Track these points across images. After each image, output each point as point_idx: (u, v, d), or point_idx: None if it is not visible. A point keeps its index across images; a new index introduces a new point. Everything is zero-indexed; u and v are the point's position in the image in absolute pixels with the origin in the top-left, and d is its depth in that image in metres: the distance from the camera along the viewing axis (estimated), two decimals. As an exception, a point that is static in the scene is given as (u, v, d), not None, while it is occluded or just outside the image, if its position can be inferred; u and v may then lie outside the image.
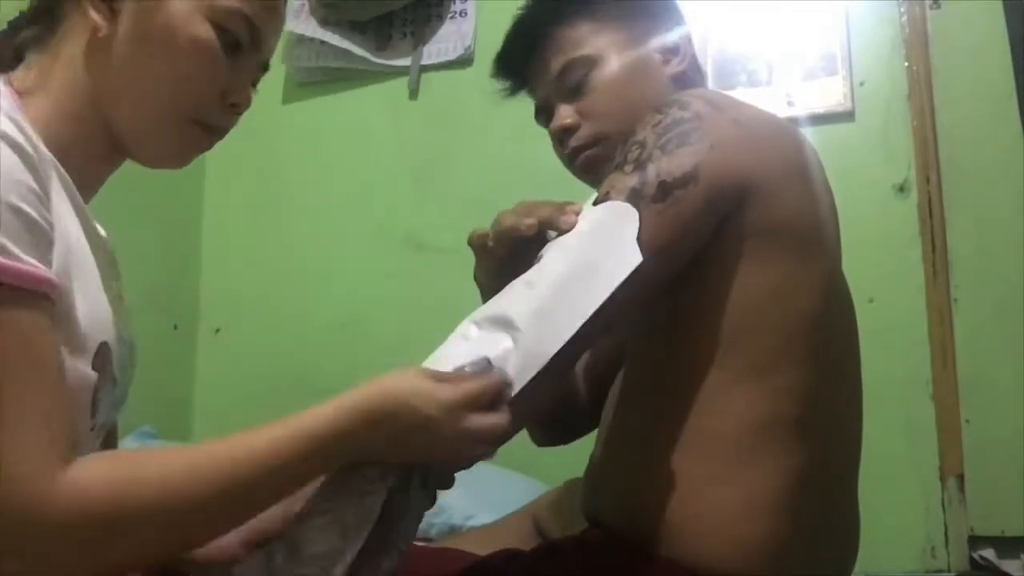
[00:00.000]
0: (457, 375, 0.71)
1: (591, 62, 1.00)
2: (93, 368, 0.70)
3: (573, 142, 1.01)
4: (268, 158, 2.31)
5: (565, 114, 1.01)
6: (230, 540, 0.81)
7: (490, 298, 0.82)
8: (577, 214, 0.83)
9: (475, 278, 0.93)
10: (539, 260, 0.81)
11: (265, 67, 0.85)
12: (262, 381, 2.17)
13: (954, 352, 1.74)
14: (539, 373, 0.71)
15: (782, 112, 1.83)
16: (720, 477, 0.83)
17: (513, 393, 0.71)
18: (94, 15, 0.75)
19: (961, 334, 1.75)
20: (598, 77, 1.00)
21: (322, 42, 2.26)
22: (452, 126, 2.20)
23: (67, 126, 0.76)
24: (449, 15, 2.24)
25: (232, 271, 2.32)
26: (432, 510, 1.57)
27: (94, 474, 0.60)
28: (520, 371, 0.72)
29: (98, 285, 0.74)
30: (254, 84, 0.84)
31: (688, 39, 1.06)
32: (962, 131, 1.82)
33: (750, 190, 0.84)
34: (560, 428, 1.17)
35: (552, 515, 1.12)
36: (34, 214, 0.63)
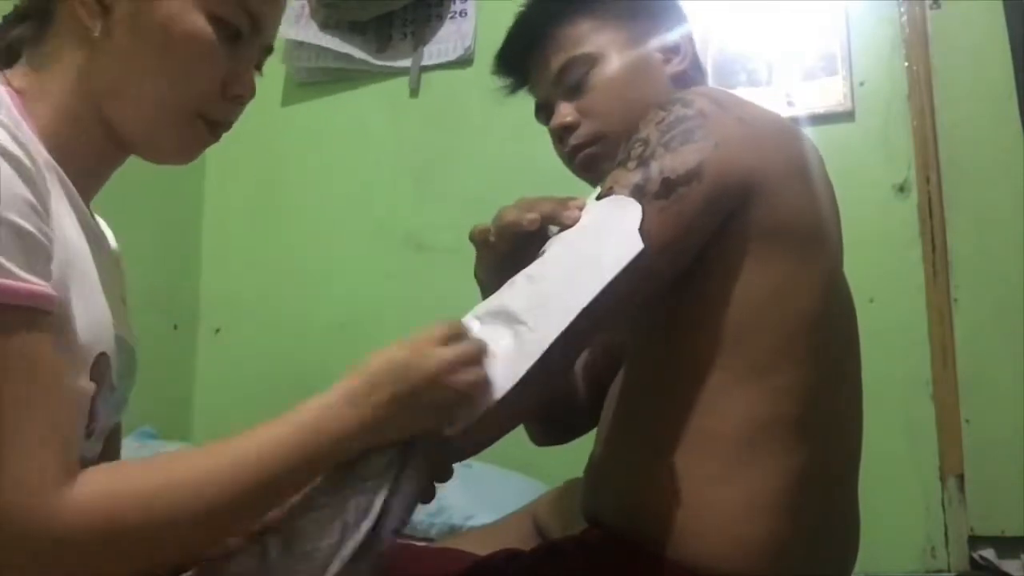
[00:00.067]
0: (436, 341, 0.72)
1: (591, 60, 1.00)
2: (91, 378, 0.70)
3: (573, 140, 1.01)
4: (268, 158, 2.31)
5: (565, 112, 1.01)
6: None
7: (490, 295, 0.82)
8: (580, 209, 0.83)
9: (475, 274, 0.93)
10: (542, 255, 0.81)
11: (269, 49, 0.83)
12: (262, 381, 2.17)
13: (954, 352, 1.74)
14: (540, 360, 0.71)
15: (782, 112, 1.83)
16: (720, 477, 0.83)
17: (515, 382, 0.71)
18: (83, 14, 0.73)
19: (961, 334, 1.75)
20: (598, 75, 1.00)
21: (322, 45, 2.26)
22: (452, 126, 2.20)
23: (66, 125, 0.74)
24: (449, 15, 2.24)
25: (232, 271, 2.32)
26: (432, 510, 1.57)
27: (95, 489, 0.60)
28: (521, 359, 0.72)
29: (98, 293, 0.73)
30: (258, 67, 0.83)
31: (689, 38, 1.06)
32: (962, 131, 1.82)
33: (754, 189, 0.84)
34: (559, 427, 1.17)
35: (552, 515, 1.12)
36: (31, 228, 0.62)
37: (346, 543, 0.67)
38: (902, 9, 1.90)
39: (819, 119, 1.88)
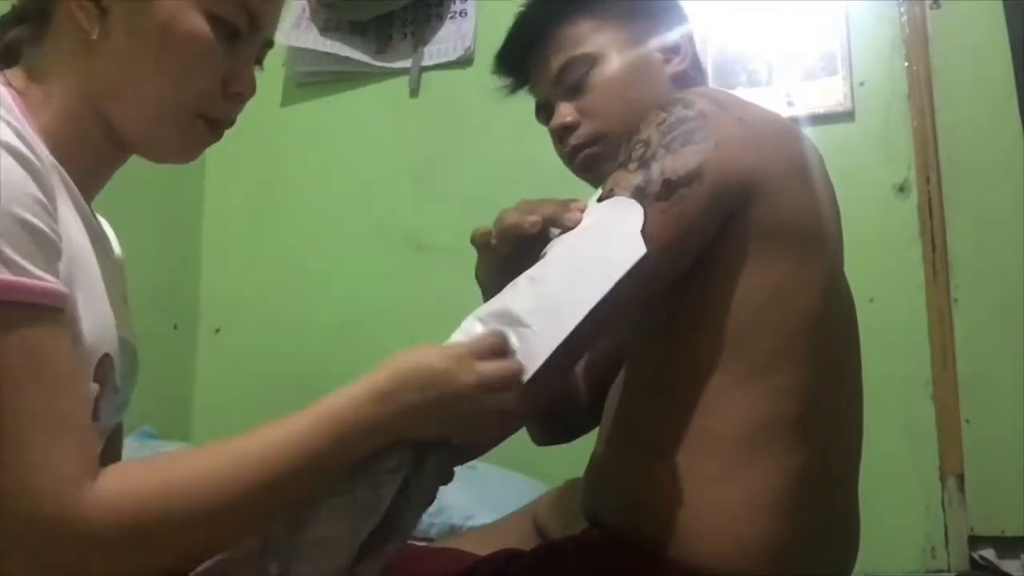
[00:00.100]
0: (471, 354, 0.71)
1: (592, 60, 1.00)
2: (95, 379, 0.70)
3: (573, 140, 1.01)
4: (268, 158, 2.31)
5: (565, 112, 1.01)
6: None
7: (492, 297, 0.82)
8: (581, 211, 0.83)
9: (477, 277, 0.93)
10: (543, 257, 0.81)
11: (269, 44, 0.83)
12: (262, 381, 2.17)
13: (954, 352, 1.74)
14: (543, 365, 0.71)
15: (782, 112, 1.83)
16: (720, 477, 0.83)
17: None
18: (81, 16, 0.73)
19: (961, 334, 1.75)
20: (598, 75, 1.00)
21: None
22: (452, 126, 2.20)
23: (66, 126, 0.74)
24: (449, 15, 2.24)
25: (232, 271, 2.32)
26: (432, 510, 1.57)
27: (122, 484, 0.60)
28: (525, 362, 0.72)
29: (102, 294, 0.73)
30: (259, 62, 0.82)
31: (689, 38, 1.06)
32: (962, 131, 1.82)
33: (754, 189, 0.84)
34: (560, 427, 1.17)
35: (552, 515, 1.12)
36: (42, 226, 0.62)
37: (353, 537, 0.67)
38: (902, 9, 1.90)
39: (819, 119, 1.88)
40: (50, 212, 0.64)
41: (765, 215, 0.85)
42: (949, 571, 1.68)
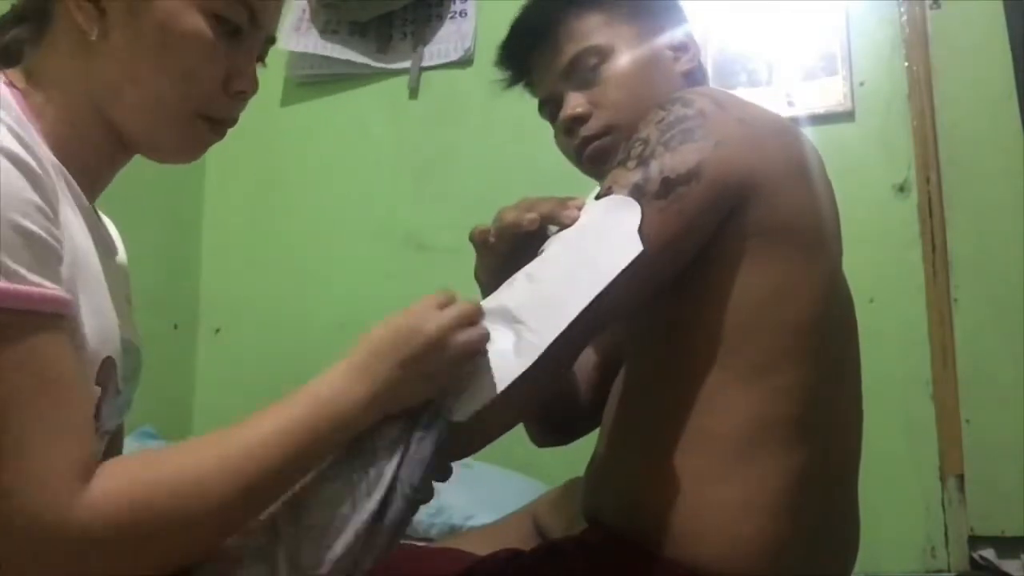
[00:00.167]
0: (434, 307, 0.74)
1: (603, 53, 0.99)
2: (97, 383, 0.70)
3: (584, 132, 0.99)
4: (268, 158, 2.31)
5: (576, 103, 0.99)
6: None
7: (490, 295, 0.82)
8: (579, 209, 0.83)
9: (476, 275, 0.93)
10: (541, 254, 0.81)
11: (271, 40, 0.82)
12: (262, 381, 2.16)
13: (954, 352, 1.74)
14: (539, 360, 0.71)
15: (782, 112, 1.83)
16: (720, 477, 0.83)
17: (514, 379, 0.72)
18: (80, 17, 0.72)
19: (961, 334, 1.75)
20: (610, 68, 0.99)
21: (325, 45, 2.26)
22: (452, 126, 2.20)
23: (68, 127, 0.74)
24: (449, 15, 2.24)
25: (232, 271, 2.32)
26: (432, 510, 1.57)
27: (115, 483, 0.60)
28: (520, 357, 0.72)
29: (105, 296, 0.73)
30: (261, 58, 0.82)
31: (694, 39, 1.06)
32: (962, 131, 1.82)
33: (753, 188, 0.84)
34: (560, 428, 1.17)
35: (552, 515, 1.12)
36: (42, 233, 0.62)
37: (358, 514, 0.67)
38: (902, 9, 1.90)
39: (819, 119, 1.88)
40: (50, 217, 0.64)
41: (764, 215, 0.85)
42: (949, 571, 1.68)
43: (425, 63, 2.23)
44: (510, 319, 0.74)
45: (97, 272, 0.73)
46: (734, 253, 0.85)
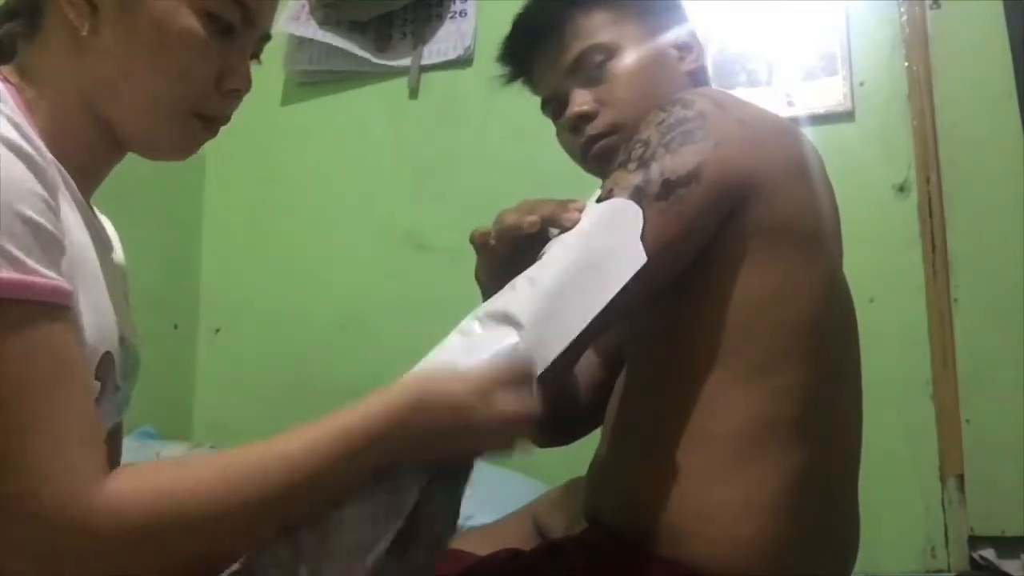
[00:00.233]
0: (483, 362, 0.70)
1: (609, 50, 0.99)
2: (96, 378, 0.70)
3: (590, 130, 0.99)
4: (268, 158, 2.31)
5: (583, 100, 0.99)
6: None
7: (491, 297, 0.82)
8: (580, 211, 0.83)
9: (476, 277, 0.92)
10: (541, 257, 0.81)
11: (266, 37, 0.81)
12: (262, 381, 2.17)
13: (954, 352, 1.74)
14: (543, 373, 0.71)
15: (782, 112, 1.83)
16: (720, 477, 0.83)
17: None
18: (71, 13, 0.72)
19: (961, 334, 1.75)
20: (617, 66, 0.99)
21: (325, 44, 2.26)
22: (452, 126, 2.20)
23: (60, 123, 0.73)
24: (449, 15, 2.24)
25: (232, 271, 2.32)
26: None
27: (131, 485, 0.60)
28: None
29: (103, 291, 0.73)
30: (256, 56, 0.81)
31: (699, 39, 1.06)
32: (962, 131, 1.82)
33: (754, 189, 0.84)
34: (560, 429, 1.17)
35: (552, 515, 1.12)
36: (46, 224, 0.62)
37: (380, 540, 0.67)
38: (902, 9, 1.89)
39: (819, 119, 1.88)
40: (53, 209, 0.64)
41: (764, 215, 0.85)
42: (949, 571, 1.68)
43: (425, 62, 2.23)
44: (511, 323, 0.74)
45: (95, 268, 0.73)
46: (734, 253, 0.85)
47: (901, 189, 1.83)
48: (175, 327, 2.24)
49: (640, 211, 0.79)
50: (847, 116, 1.89)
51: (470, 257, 0.92)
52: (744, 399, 0.84)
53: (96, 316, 0.70)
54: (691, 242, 0.84)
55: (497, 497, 1.55)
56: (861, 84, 1.89)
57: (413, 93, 2.24)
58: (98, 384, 0.70)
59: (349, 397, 0.77)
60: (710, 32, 1.97)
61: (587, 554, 0.87)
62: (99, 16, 0.72)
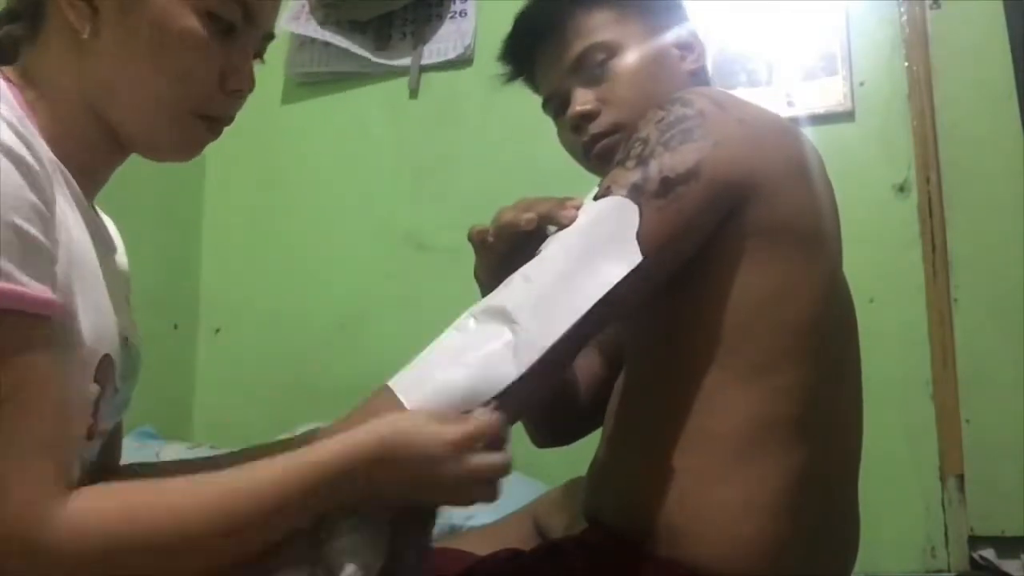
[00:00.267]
0: (460, 416, 0.70)
1: (611, 49, 0.99)
2: (95, 380, 0.69)
3: (592, 129, 0.99)
4: (268, 158, 2.31)
5: (585, 99, 0.99)
6: None
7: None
8: (577, 209, 0.83)
9: (475, 275, 0.93)
10: (538, 255, 0.81)
11: (270, 36, 0.81)
12: (262, 381, 2.17)
13: (954, 352, 1.74)
14: (535, 365, 0.71)
15: (782, 112, 1.83)
16: (720, 477, 0.83)
17: (509, 384, 0.71)
18: (71, 15, 0.71)
19: (961, 334, 1.75)
20: (620, 65, 0.99)
21: (325, 44, 2.26)
22: (452, 126, 2.20)
23: (63, 124, 0.73)
24: (449, 15, 2.24)
25: (232, 271, 2.32)
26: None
27: (92, 505, 0.60)
28: (517, 360, 0.72)
29: (103, 295, 0.72)
30: (259, 55, 0.81)
31: (700, 39, 1.06)
32: (962, 131, 1.82)
33: (753, 188, 0.84)
34: (560, 429, 1.17)
35: (552, 515, 1.12)
36: (35, 232, 0.61)
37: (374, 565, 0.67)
38: (902, 9, 1.89)
39: (819, 119, 1.88)
40: (46, 218, 0.63)
41: (764, 215, 0.85)
42: (949, 571, 1.68)
43: (424, 62, 2.22)
44: (506, 319, 0.74)
45: (95, 269, 0.72)
46: (734, 253, 0.85)
47: (901, 189, 1.83)
48: (175, 327, 2.24)
49: (637, 209, 0.79)
50: (847, 116, 1.89)
51: (470, 257, 0.92)
52: (744, 399, 0.84)
53: (95, 319, 0.69)
54: (689, 240, 0.84)
55: (497, 497, 1.54)
56: (861, 84, 1.89)
57: (413, 93, 2.24)
58: (96, 387, 0.70)
59: (349, 397, 0.77)
60: (710, 32, 1.97)
61: (587, 554, 0.87)
62: (100, 18, 0.72)
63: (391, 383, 0.74)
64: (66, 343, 0.65)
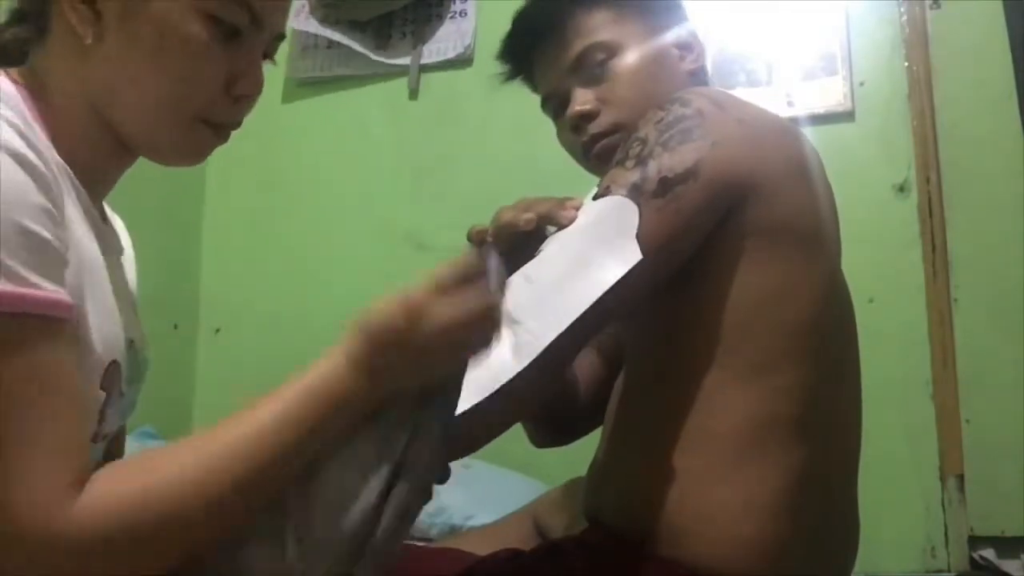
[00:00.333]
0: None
1: (611, 48, 0.99)
2: (101, 387, 0.69)
3: (592, 129, 0.98)
4: (268, 158, 2.31)
5: (584, 99, 0.98)
6: None
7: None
8: (577, 209, 0.83)
9: (475, 276, 0.92)
10: (538, 255, 0.82)
11: (280, 37, 0.79)
12: (262, 381, 2.14)
13: (954, 352, 1.74)
14: (534, 363, 0.71)
15: (782, 112, 1.83)
16: (720, 477, 0.83)
17: (508, 380, 0.71)
18: (74, 19, 0.71)
19: (961, 334, 1.75)
20: (619, 64, 0.99)
21: (327, 48, 2.26)
22: (452, 126, 2.20)
23: (69, 127, 0.73)
24: (449, 15, 2.24)
25: (232, 271, 2.32)
26: (432, 510, 1.56)
27: (107, 490, 0.59)
28: (516, 359, 0.72)
29: (110, 300, 0.72)
30: (269, 55, 0.79)
31: (699, 39, 1.06)
32: (962, 131, 1.82)
33: (752, 188, 0.84)
34: (560, 428, 1.17)
35: (552, 515, 1.12)
36: (47, 235, 0.61)
37: (363, 492, 0.66)
38: (902, 9, 1.90)
39: (819, 119, 1.88)
40: (55, 219, 0.63)
41: (763, 215, 0.85)
42: (949, 571, 1.68)
43: (424, 61, 2.23)
44: (508, 320, 0.74)
45: (102, 274, 0.72)
46: (733, 253, 0.85)
47: (901, 189, 1.83)
48: (175, 327, 2.24)
49: (636, 209, 0.80)
50: (847, 116, 1.89)
51: (470, 257, 0.91)
52: (744, 399, 0.84)
53: (103, 325, 0.69)
54: (688, 240, 0.84)
55: (497, 497, 1.55)
56: (861, 84, 1.89)
57: (413, 93, 2.24)
58: (103, 394, 0.70)
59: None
60: (710, 32, 1.97)
61: (587, 554, 0.87)
62: (103, 23, 0.71)
63: None
64: (79, 346, 0.65)
